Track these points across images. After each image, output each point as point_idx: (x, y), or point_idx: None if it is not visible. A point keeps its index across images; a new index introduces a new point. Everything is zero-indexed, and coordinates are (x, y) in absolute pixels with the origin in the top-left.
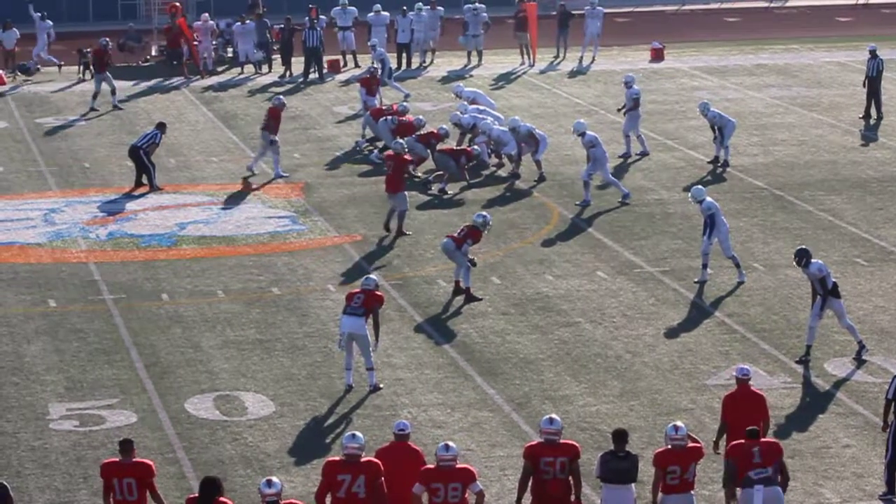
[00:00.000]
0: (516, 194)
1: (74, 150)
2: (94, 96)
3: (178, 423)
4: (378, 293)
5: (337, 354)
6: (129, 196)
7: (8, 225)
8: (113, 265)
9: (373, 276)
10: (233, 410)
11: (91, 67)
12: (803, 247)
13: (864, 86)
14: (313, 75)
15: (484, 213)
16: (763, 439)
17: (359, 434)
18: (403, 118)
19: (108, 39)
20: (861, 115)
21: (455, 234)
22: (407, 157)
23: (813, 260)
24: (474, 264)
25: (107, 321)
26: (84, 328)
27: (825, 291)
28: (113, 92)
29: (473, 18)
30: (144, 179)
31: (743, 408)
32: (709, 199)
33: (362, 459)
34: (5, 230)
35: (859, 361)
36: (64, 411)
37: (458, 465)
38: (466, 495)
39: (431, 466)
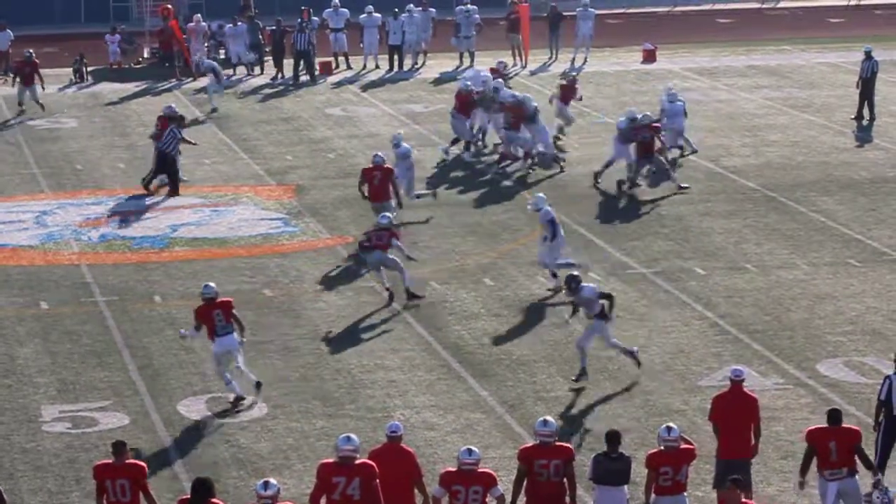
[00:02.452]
0: (508, 196)
1: (66, 153)
2: (19, 103)
3: (170, 425)
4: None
5: (328, 356)
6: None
7: (0, 227)
8: (105, 267)
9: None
10: (225, 412)
11: (17, 79)
12: (573, 273)
13: (857, 87)
14: (304, 77)
15: (387, 214)
16: (843, 426)
17: (353, 436)
18: None
19: (31, 51)
20: (853, 116)
21: (375, 242)
22: (390, 167)
23: (584, 284)
24: (413, 258)
25: (99, 323)
26: (76, 330)
27: (598, 314)
28: (42, 107)
29: (465, 20)
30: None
31: (735, 410)
32: (547, 207)
33: (357, 461)
34: None
35: (577, 385)
36: (56, 413)
37: (479, 469)
38: (487, 499)
39: (453, 469)
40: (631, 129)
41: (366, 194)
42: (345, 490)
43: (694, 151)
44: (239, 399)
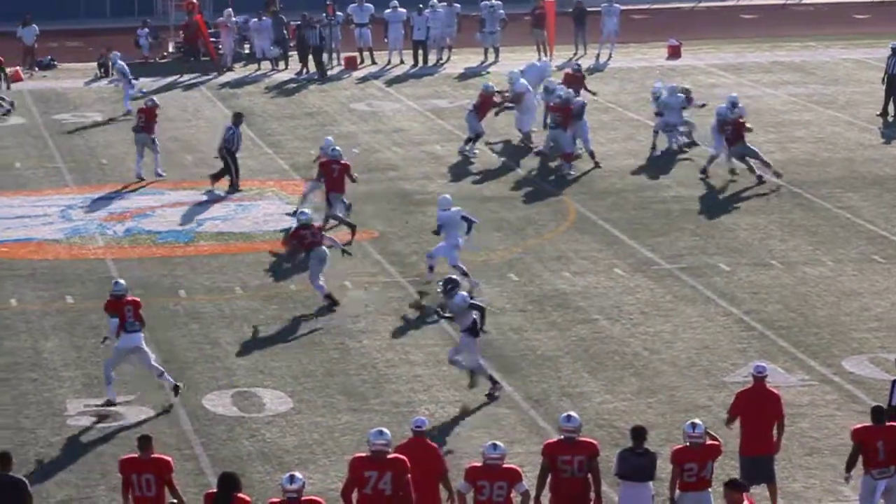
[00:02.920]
0: (534, 191)
1: (92, 147)
2: None
3: (196, 419)
4: None
5: (354, 350)
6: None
7: (25, 221)
8: (130, 261)
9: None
10: (250, 407)
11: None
12: (450, 276)
13: (882, 83)
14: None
15: (306, 210)
16: (888, 424)
17: (386, 430)
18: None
19: None
20: (879, 113)
21: (312, 239)
22: (347, 163)
23: (459, 291)
24: (349, 253)
25: None
26: (102, 324)
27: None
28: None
29: (490, 15)
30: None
31: (758, 405)
32: (453, 209)
33: (389, 456)
34: (23, 226)
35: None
36: (81, 407)
37: (504, 465)
38: (512, 494)
39: (478, 464)
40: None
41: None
42: (377, 484)
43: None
44: (109, 403)
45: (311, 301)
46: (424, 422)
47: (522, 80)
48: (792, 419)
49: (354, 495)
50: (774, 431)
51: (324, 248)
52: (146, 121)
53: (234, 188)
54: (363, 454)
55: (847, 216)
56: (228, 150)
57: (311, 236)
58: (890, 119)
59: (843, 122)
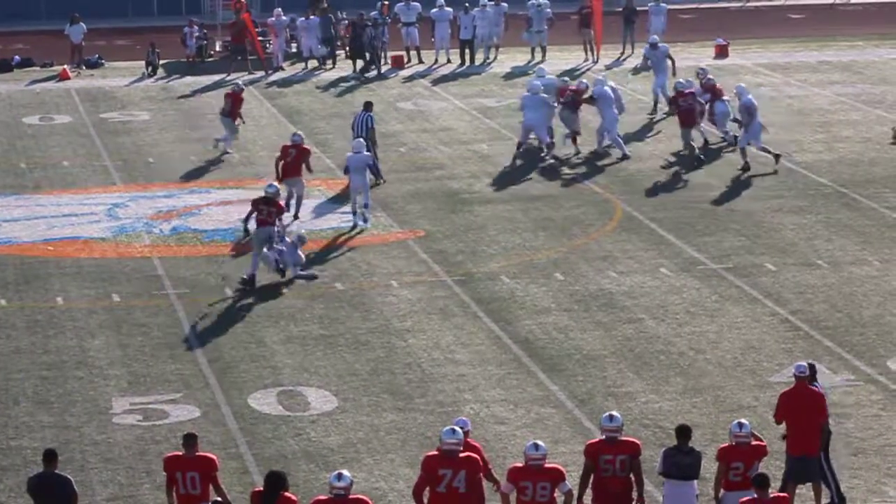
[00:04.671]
0: (580, 190)
1: (139, 145)
2: None
3: (241, 418)
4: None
5: (399, 350)
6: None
7: (72, 219)
8: (177, 260)
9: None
10: (295, 406)
11: None
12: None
13: None
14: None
15: (274, 184)
16: None
17: (458, 429)
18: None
19: None
20: None
21: (264, 217)
22: (307, 147)
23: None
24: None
25: (170, 316)
26: (147, 323)
27: None
28: None
29: (537, 14)
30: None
31: (801, 405)
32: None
33: (461, 454)
34: (70, 225)
35: None
36: (127, 406)
37: (546, 465)
38: (555, 494)
39: (520, 465)
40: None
41: (279, 171)
42: (451, 482)
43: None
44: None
45: (356, 300)
46: (466, 422)
47: (606, 88)
48: (837, 419)
49: (426, 494)
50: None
51: (273, 228)
52: (232, 105)
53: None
54: (434, 452)
55: (894, 216)
56: (366, 137)
57: (265, 213)
58: None
59: (891, 121)
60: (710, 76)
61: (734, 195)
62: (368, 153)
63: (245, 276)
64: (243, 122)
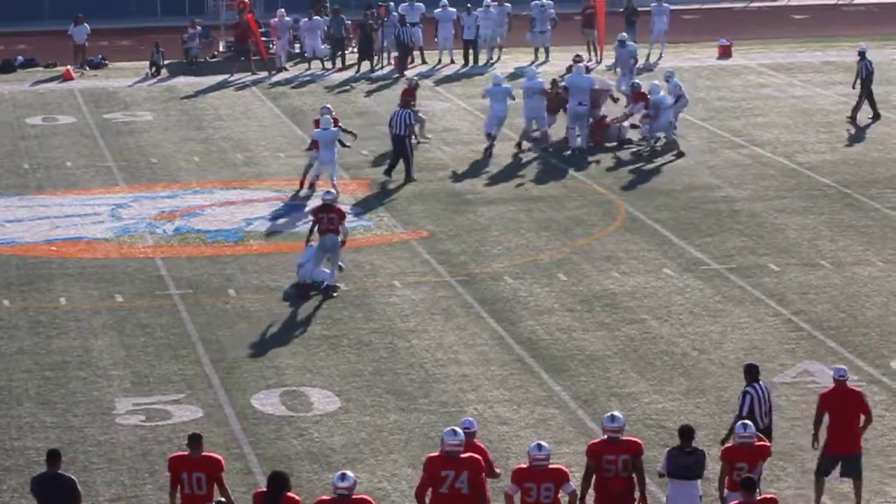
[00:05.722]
0: (583, 191)
1: (142, 146)
2: None
3: (244, 418)
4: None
5: (402, 350)
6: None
7: (75, 220)
8: (180, 260)
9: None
10: (299, 406)
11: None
12: None
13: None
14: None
15: (330, 189)
16: None
17: (459, 430)
18: None
19: None
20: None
21: (328, 226)
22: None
23: None
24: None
25: (173, 316)
26: (151, 323)
27: None
28: None
29: (540, 15)
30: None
31: (843, 404)
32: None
33: (463, 455)
34: (73, 225)
35: None
36: (130, 406)
37: (550, 465)
38: (559, 495)
39: (524, 466)
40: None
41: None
42: (453, 483)
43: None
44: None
45: (359, 300)
46: (473, 423)
47: (662, 93)
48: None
49: (428, 495)
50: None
51: (335, 236)
52: (405, 98)
53: (409, 178)
54: (436, 454)
55: None
56: (398, 135)
57: (326, 221)
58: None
59: (894, 122)
60: (675, 80)
61: (737, 196)
62: (336, 129)
63: (307, 285)
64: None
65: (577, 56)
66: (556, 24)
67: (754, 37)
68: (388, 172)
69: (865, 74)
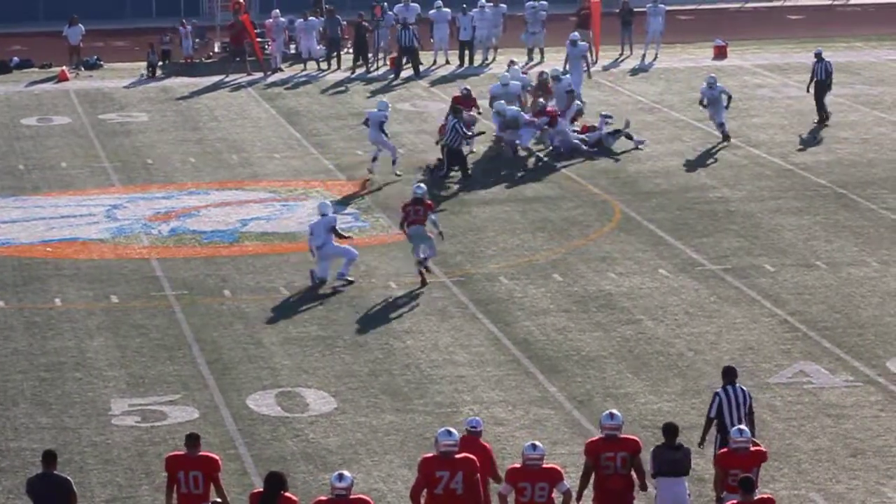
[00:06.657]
0: (578, 191)
1: (137, 147)
2: None
3: (239, 419)
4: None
5: (398, 351)
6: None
7: (70, 221)
8: (175, 261)
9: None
10: (294, 407)
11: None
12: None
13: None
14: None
15: (419, 183)
16: None
17: (454, 430)
18: None
19: None
20: (816, 120)
21: (413, 217)
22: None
23: None
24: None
25: (169, 317)
26: (146, 324)
27: None
28: None
29: (533, 16)
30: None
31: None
32: (329, 216)
33: (458, 456)
34: (68, 226)
35: None
36: (126, 407)
37: (544, 465)
38: (553, 495)
39: (518, 465)
40: None
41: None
42: (448, 484)
43: (726, 139)
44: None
45: (356, 301)
46: (479, 422)
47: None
48: (836, 420)
49: (423, 496)
50: None
51: (421, 227)
52: (454, 107)
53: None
54: (431, 454)
55: (892, 217)
56: (450, 146)
57: (413, 213)
58: (815, 122)
59: (889, 122)
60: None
61: (733, 196)
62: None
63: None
64: (479, 112)
65: (512, 60)
66: (544, 24)
67: (750, 37)
68: (444, 177)
69: (824, 75)
